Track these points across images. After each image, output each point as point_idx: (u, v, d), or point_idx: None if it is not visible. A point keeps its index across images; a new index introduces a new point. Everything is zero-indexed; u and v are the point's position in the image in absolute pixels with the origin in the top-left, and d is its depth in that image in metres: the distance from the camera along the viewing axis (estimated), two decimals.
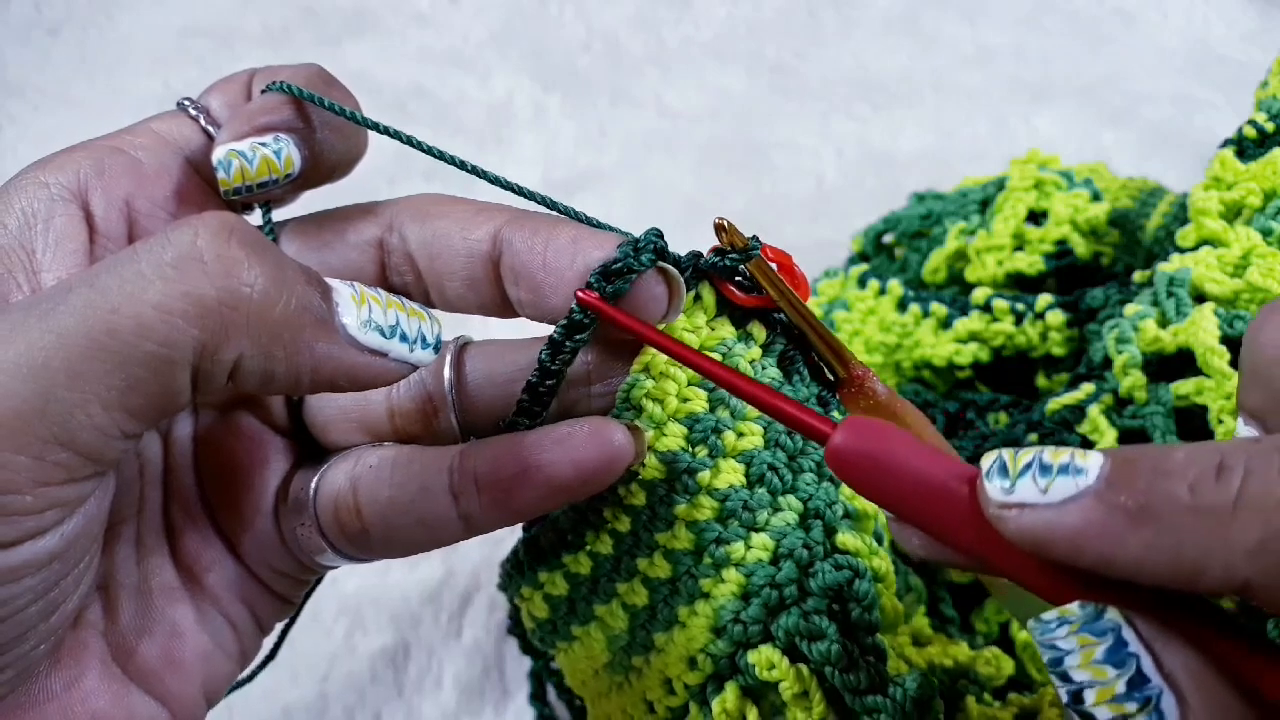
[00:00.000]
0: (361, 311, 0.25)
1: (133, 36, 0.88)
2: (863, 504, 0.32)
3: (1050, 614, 0.21)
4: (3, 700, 0.25)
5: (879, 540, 0.31)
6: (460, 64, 0.88)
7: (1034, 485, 0.21)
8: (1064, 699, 0.21)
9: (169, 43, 0.87)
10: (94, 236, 0.29)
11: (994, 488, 0.22)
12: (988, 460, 0.22)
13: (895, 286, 0.55)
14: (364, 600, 0.56)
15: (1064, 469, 0.21)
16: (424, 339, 0.27)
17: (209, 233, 0.23)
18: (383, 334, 0.26)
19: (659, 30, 0.92)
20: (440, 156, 0.30)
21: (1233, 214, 0.44)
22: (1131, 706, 0.20)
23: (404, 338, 0.26)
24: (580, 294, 0.27)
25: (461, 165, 0.31)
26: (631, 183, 0.80)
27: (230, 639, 0.30)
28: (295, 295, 0.24)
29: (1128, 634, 0.20)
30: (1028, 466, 0.21)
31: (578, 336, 0.28)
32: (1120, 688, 0.20)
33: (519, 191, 0.30)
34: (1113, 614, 0.20)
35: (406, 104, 0.84)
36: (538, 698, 0.52)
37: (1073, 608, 0.21)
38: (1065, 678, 0.21)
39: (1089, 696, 0.20)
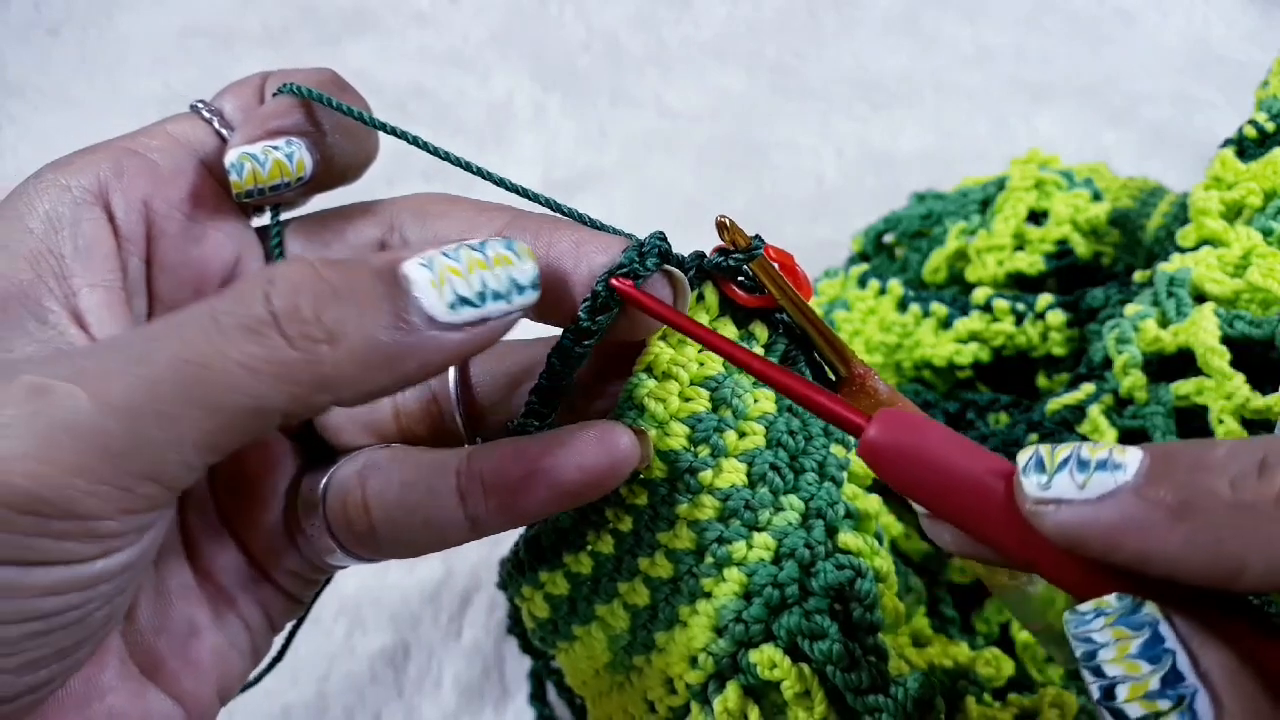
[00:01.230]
0: (444, 293, 0.24)
1: (133, 36, 0.88)
2: (864, 504, 0.32)
3: (1086, 605, 0.21)
4: (44, 702, 0.25)
5: (880, 540, 0.31)
6: (460, 64, 0.88)
7: (1071, 481, 0.21)
8: (1095, 695, 0.20)
9: (169, 43, 0.87)
10: (118, 241, 0.29)
11: (1030, 483, 0.21)
12: (1024, 456, 0.22)
13: (895, 286, 0.55)
14: (364, 600, 0.56)
15: (1102, 464, 0.21)
16: (518, 285, 0.26)
17: (281, 294, 0.23)
18: (473, 303, 0.25)
19: (659, 30, 0.92)
20: (456, 162, 0.30)
21: (1233, 214, 0.44)
22: (1165, 704, 0.19)
23: (497, 295, 0.25)
24: (615, 281, 0.27)
25: (477, 171, 0.30)
26: (631, 183, 0.80)
27: (244, 638, 0.31)
28: (379, 327, 0.24)
29: (1165, 629, 0.20)
30: (1065, 462, 0.21)
31: (586, 342, 0.28)
32: (1154, 684, 0.20)
33: (524, 194, 0.30)
34: (1150, 608, 0.20)
35: (406, 104, 0.84)
36: (537, 698, 0.52)
37: (1110, 599, 0.20)
38: (1098, 672, 0.20)
39: (1121, 692, 0.20)
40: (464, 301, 0.25)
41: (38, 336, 0.26)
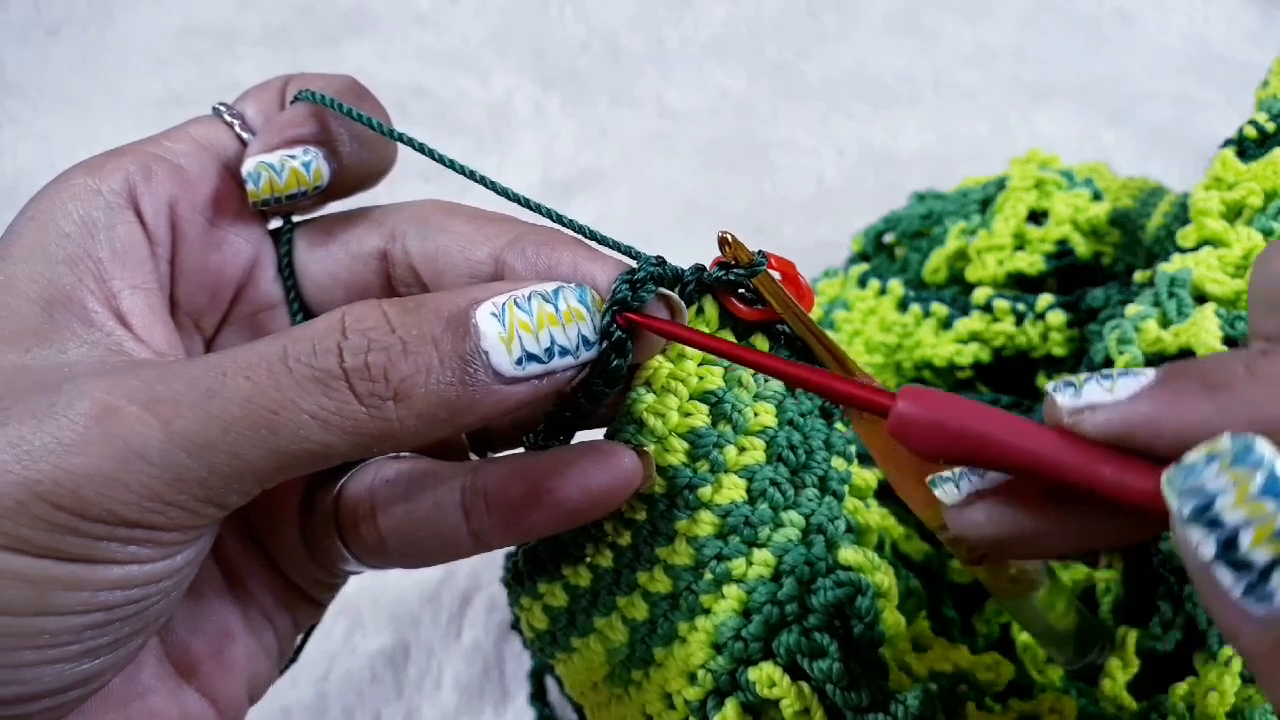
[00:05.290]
0: (513, 349, 0.25)
1: (133, 36, 0.88)
2: (865, 517, 0.32)
3: (1194, 454, 0.20)
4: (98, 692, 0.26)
5: (880, 549, 0.31)
6: (460, 64, 0.88)
7: (1099, 388, 0.22)
8: (1209, 554, 0.19)
9: (169, 43, 0.87)
10: (150, 244, 0.29)
11: (1064, 397, 0.22)
12: (1050, 384, 0.23)
13: (896, 286, 0.55)
14: (363, 600, 0.56)
15: (1124, 374, 0.22)
16: (585, 340, 0.26)
17: (353, 349, 0.24)
18: (540, 359, 0.25)
19: (659, 30, 0.92)
20: (471, 176, 0.30)
21: (1234, 214, 0.44)
22: None
23: (563, 351, 0.26)
24: (629, 316, 0.27)
25: (492, 186, 0.30)
26: (631, 183, 0.80)
27: (271, 640, 0.31)
28: (446, 384, 0.24)
29: None
30: (1089, 379, 0.22)
31: (614, 388, 0.28)
32: None
33: (526, 204, 0.30)
34: (1263, 444, 0.19)
35: (406, 104, 0.84)
36: (538, 698, 0.52)
37: (1222, 440, 0.20)
38: (1215, 523, 0.19)
39: (1245, 539, 0.19)
40: (531, 357, 0.25)
41: (86, 338, 0.27)
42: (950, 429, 0.23)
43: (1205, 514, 0.19)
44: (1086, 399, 0.22)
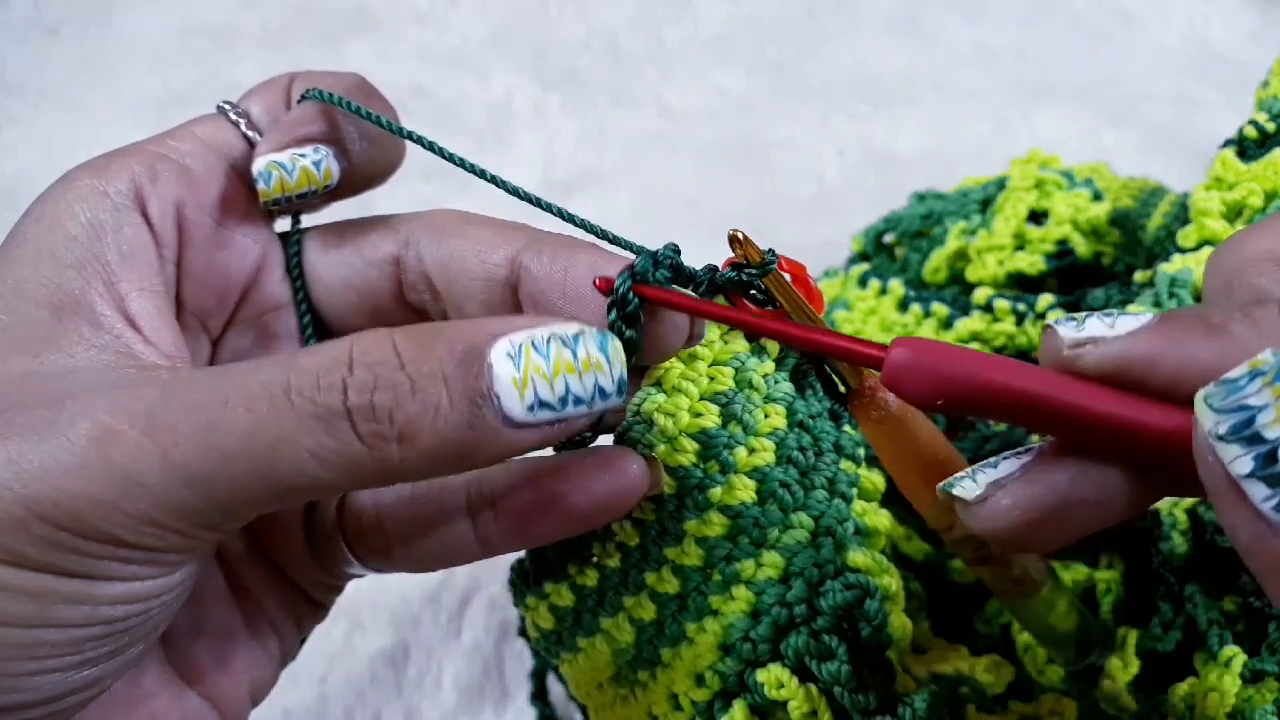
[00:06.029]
0: (526, 395, 0.24)
1: (133, 36, 0.88)
2: (874, 520, 0.32)
3: (1236, 371, 0.20)
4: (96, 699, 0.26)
5: (888, 556, 0.31)
6: (460, 64, 0.88)
7: (1101, 323, 0.22)
8: (1245, 469, 0.19)
9: (169, 43, 0.87)
10: (157, 246, 0.29)
11: (1066, 329, 0.23)
12: (1052, 320, 0.23)
13: (896, 286, 0.55)
14: (363, 601, 0.56)
15: (1124, 314, 0.22)
16: (602, 391, 0.25)
17: (358, 386, 0.23)
18: (553, 407, 0.24)
19: (659, 30, 0.92)
20: (481, 175, 0.30)
21: (1234, 214, 0.44)
22: None
23: (578, 401, 0.24)
24: (645, 291, 0.27)
25: (503, 185, 0.30)
26: (631, 183, 0.80)
27: (274, 643, 0.31)
28: (453, 427, 0.23)
29: None
30: (1090, 315, 0.23)
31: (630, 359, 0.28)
32: None
33: (539, 204, 0.30)
34: None
35: (406, 104, 0.84)
36: (538, 698, 0.52)
37: (1265, 356, 0.20)
38: (1255, 440, 0.19)
39: None
40: (543, 405, 0.24)
41: (95, 341, 0.27)
42: (944, 371, 0.23)
43: (1245, 430, 0.20)
44: (1089, 332, 0.22)
